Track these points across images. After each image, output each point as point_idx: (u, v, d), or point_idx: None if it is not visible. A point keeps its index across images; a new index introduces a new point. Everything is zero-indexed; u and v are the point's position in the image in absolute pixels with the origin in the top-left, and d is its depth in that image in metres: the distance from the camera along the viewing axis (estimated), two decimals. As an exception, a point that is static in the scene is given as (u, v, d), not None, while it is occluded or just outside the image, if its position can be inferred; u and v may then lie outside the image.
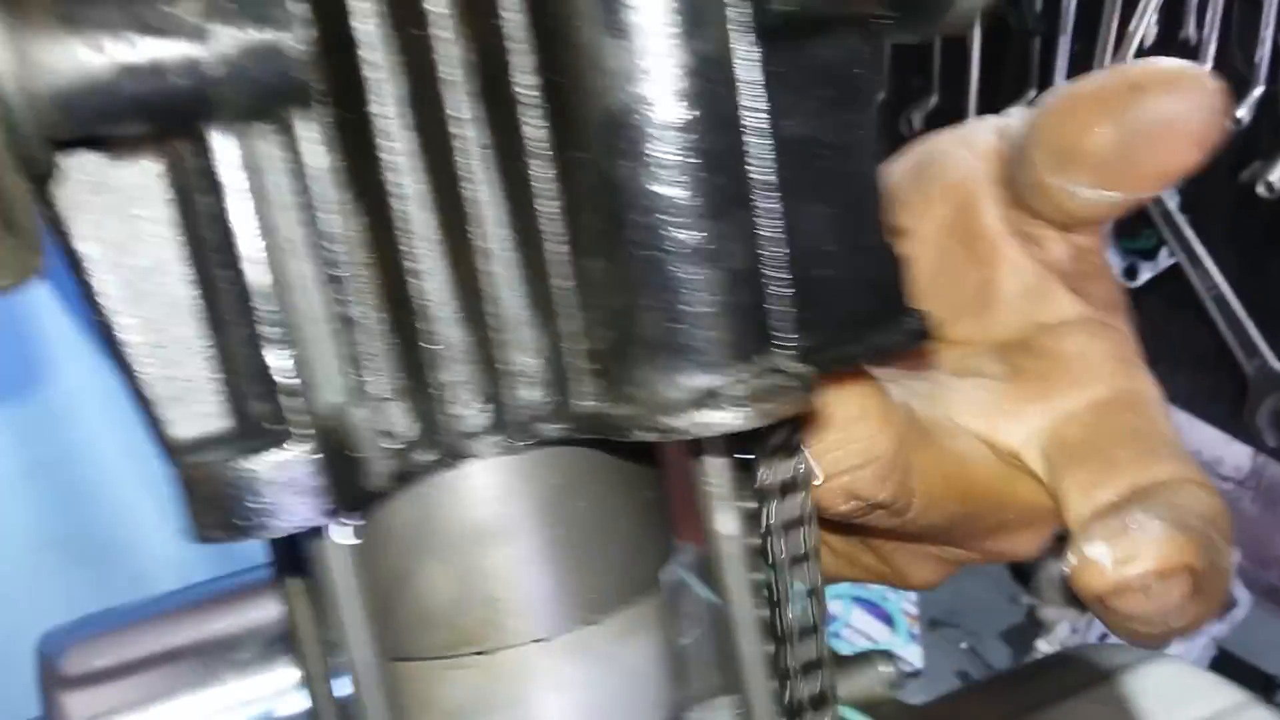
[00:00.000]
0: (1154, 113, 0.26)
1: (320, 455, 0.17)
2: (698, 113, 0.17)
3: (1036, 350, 0.29)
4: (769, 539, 0.23)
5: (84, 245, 0.17)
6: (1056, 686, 0.31)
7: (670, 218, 0.17)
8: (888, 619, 1.34)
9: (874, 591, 1.37)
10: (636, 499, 0.22)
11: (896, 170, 0.31)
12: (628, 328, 0.18)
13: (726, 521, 0.21)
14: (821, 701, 0.24)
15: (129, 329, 0.17)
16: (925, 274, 0.30)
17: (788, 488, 0.22)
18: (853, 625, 1.31)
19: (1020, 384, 0.28)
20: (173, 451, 0.17)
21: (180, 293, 0.17)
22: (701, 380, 0.18)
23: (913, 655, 1.31)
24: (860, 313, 0.21)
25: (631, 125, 0.17)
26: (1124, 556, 0.24)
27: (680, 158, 0.17)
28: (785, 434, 0.22)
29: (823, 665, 0.24)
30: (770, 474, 0.22)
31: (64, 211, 0.17)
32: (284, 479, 0.17)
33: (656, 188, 0.17)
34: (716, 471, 0.20)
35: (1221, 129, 0.25)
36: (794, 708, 0.24)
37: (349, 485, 0.17)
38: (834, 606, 1.32)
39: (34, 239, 0.15)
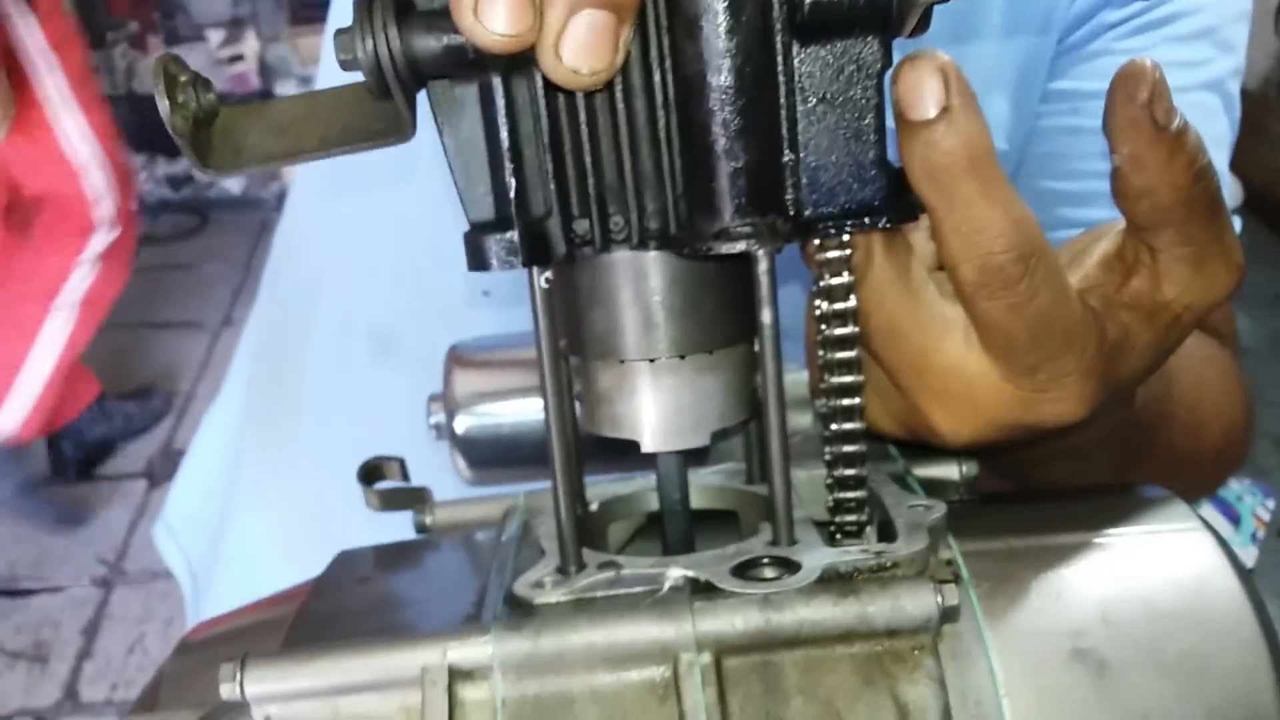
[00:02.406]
0: None
1: (525, 238, 0.34)
2: (735, 82, 0.32)
3: None
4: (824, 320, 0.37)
5: (440, 119, 0.35)
6: (1070, 495, 0.43)
7: (710, 136, 0.33)
8: (1235, 518, 1.36)
9: (1231, 491, 1.38)
10: (720, 292, 0.37)
11: None
12: (690, 191, 0.34)
13: (767, 313, 0.36)
14: (858, 479, 0.38)
15: (454, 166, 0.35)
16: None
17: (832, 291, 0.37)
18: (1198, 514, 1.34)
19: None
20: (470, 224, 0.36)
21: (479, 150, 0.35)
22: (719, 224, 0.33)
23: (1248, 556, 1.33)
24: (856, 202, 0.35)
25: (695, 86, 0.32)
26: None
27: (718, 107, 0.32)
28: (836, 255, 0.36)
29: (855, 413, 0.38)
30: (819, 284, 0.37)
31: (435, 104, 0.35)
32: (507, 246, 0.34)
33: (705, 120, 0.33)
34: (761, 278, 0.35)
35: None
36: (836, 479, 0.38)
37: (543, 255, 0.35)
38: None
39: (407, 119, 0.33)
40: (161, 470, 3.03)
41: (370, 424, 0.76)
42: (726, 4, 0.32)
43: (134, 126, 3.28)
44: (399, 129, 0.34)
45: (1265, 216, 1.85)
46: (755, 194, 0.33)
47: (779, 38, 0.33)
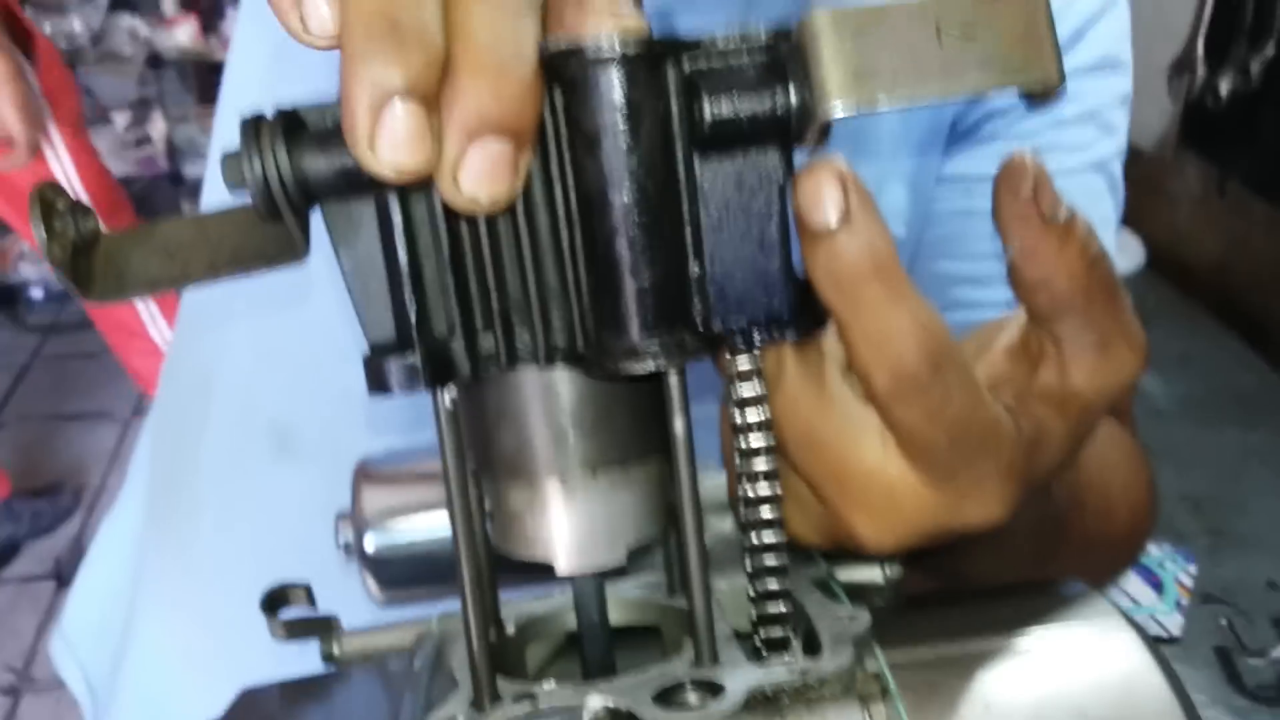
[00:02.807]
0: None
1: (428, 359, 0.33)
2: (636, 198, 0.31)
3: None
4: (737, 433, 0.36)
5: (335, 237, 0.34)
6: (993, 595, 0.42)
7: (614, 253, 0.32)
8: (1158, 585, 1.37)
9: (1153, 558, 1.40)
10: (631, 404, 0.36)
11: None
12: (596, 308, 0.33)
13: (679, 423, 0.35)
14: (780, 591, 0.37)
15: (351, 286, 0.34)
16: None
17: (744, 402, 0.36)
18: (1120, 585, 1.36)
19: None
20: (369, 346, 0.34)
21: (377, 269, 0.34)
22: (626, 343, 0.32)
23: (1172, 624, 1.34)
24: (764, 314, 0.34)
25: (598, 204, 0.32)
26: None
27: (621, 224, 0.31)
28: (747, 368, 0.35)
29: (775, 525, 0.37)
30: (732, 397, 0.36)
31: (329, 223, 0.34)
32: (409, 369, 0.33)
33: (608, 237, 0.32)
34: (671, 389, 0.34)
35: None
36: (758, 593, 0.37)
37: (446, 375, 0.34)
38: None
39: (300, 241, 0.32)
40: (69, 570, 2.92)
41: (272, 525, 0.73)
42: (625, 119, 0.31)
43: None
44: (292, 251, 0.33)
45: (1167, 275, 1.91)
46: (662, 310, 0.32)
47: (680, 151, 0.33)
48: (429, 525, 0.49)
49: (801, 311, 0.35)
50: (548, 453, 0.36)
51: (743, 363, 0.35)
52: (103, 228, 0.33)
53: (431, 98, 0.29)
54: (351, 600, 0.47)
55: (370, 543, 0.48)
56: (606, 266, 0.32)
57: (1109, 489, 0.57)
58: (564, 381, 0.35)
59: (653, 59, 0.31)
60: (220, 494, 0.79)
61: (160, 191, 4.07)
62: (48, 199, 0.31)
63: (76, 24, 3.92)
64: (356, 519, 0.49)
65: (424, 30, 0.29)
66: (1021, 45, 0.32)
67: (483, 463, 0.37)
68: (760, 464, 0.36)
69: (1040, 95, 0.33)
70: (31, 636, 2.74)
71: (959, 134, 0.67)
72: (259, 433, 0.76)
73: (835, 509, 0.38)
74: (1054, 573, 0.43)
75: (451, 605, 0.43)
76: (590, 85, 0.31)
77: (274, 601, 0.45)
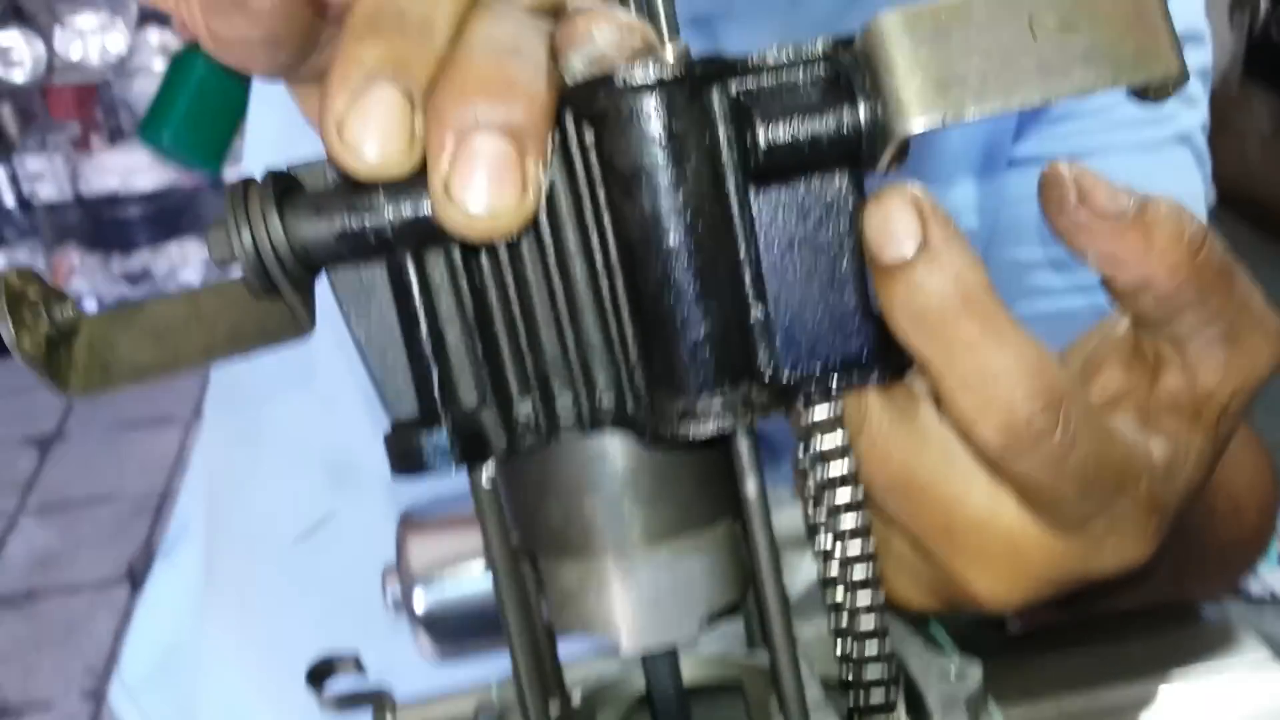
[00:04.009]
0: None
1: (457, 435, 0.29)
2: (683, 242, 0.27)
3: None
4: (810, 501, 0.32)
5: (345, 307, 0.30)
6: (1119, 631, 0.38)
7: (663, 305, 0.27)
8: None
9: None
10: (694, 467, 0.32)
11: None
12: (646, 365, 0.28)
13: (751, 486, 0.30)
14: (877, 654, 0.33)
15: (367, 358, 0.30)
16: None
17: (826, 456, 0.31)
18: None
19: None
20: (391, 423, 0.30)
21: (394, 338, 0.30)
22: (683, 403, 0.28)
23: (1276, 580, 1.28)
24: (840, 358, 0.30)
25: (641, 251, 0.27)
26: None
27: (668, 273, 0.27)
28: (826, 417, 0.31)
29: (872, 585, 0.33)
30: (809, 450, 0.31)
31: (337, 290, 0.30)
32: (439, 446, 0.29)
33: (655, 289, 0.27)
34: (740, 450, 0.30)
35: None
36: (855, 658, 0.33)
37: (479, 452, 0.29)
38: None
39: (303, 316, 0.28)
40: (142, 573, 2.95)
41: (333, 567, 0.70)
42: (667, 155, 0.27)
43: (83, 229, 3.22)
44: (295, 326, 0.29)
45: (1238, 213, 1.82)
46: (723, 363, 0.28)
47: (732, 184, 0.28)
48: (482, 575, 0.45)
49: (885, 351, 0.30)
50: (601, 527, 0.32)
51: (820, 413, 0.30)
52: (83, 313, 0.29)
53: (419, 95, 0.26)
54: (412, 655, 0.44)
55: (419, 600, 0.45)
56: (655, 320, 0.28)
57: (1236, 488, 0.52)
58: (614, 446, 0.31)
59: (695, 83, 0.27)
60: (275, 539, 0.75)
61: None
62: (14, 287, 0.28)
63: None
64: (404, 574, 0.45)
65: (429, 25, 0.26)
66: (1132, 34, 0.27)
67: (527, 538, 0.33)
68: (849, 522, 0.31)
69: (1158, 91, 0.28)
70: (110, 640, 2.77)
71: (1029, 113, 0.62)
72: (313, 469, 0.73)
73: (945, 565, 0.33)
74: (1188, 589, 0.38)
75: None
76: (624, 119, 0.26)
77: (319, 673, 0.41)
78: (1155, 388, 0.33)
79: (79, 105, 3.38)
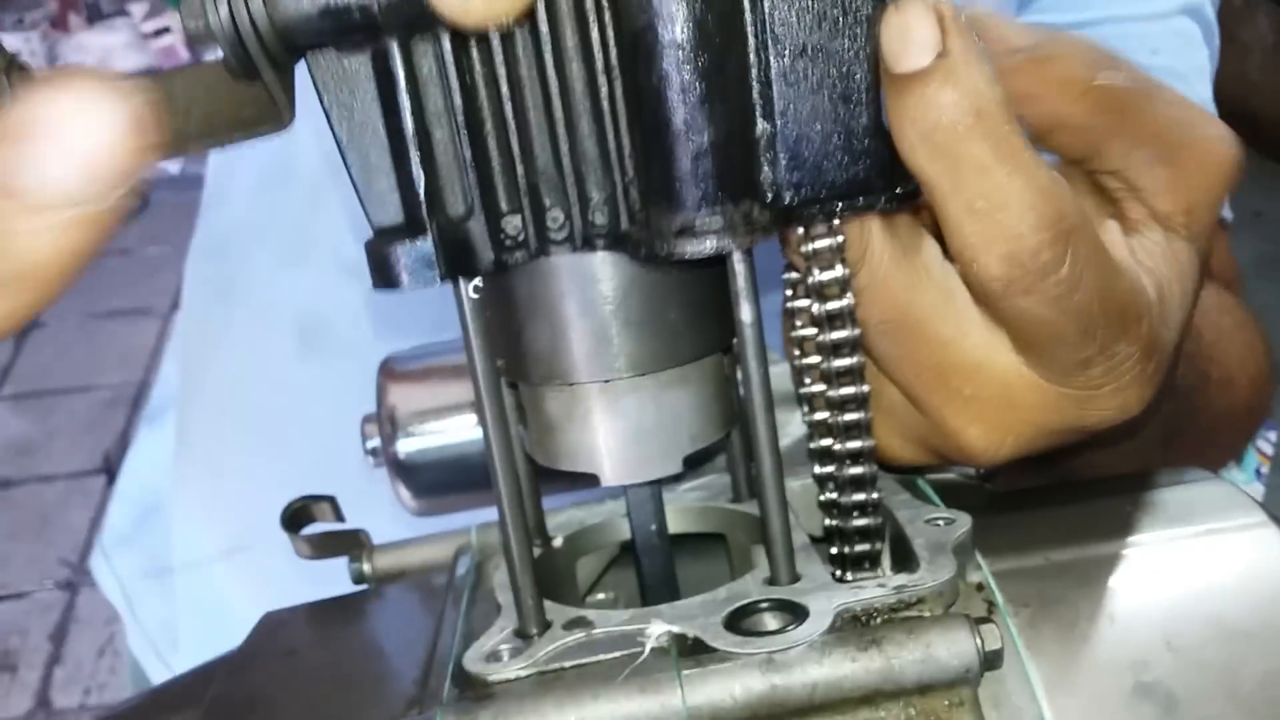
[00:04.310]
0: None
1: (443, 244, 0.27)
2: (690, 35, 0.25)
3: None
4: (800, 342, 0.31)
5: (326, 100, 0.28)
6: (1107, 490, 0.37)
7: (665, 107, 0.26)
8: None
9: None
10: (687, 294, 0.31)
11: None
12: (644, 177, 0.27)
13: (747, 311, 0.29)
14: (863, 481, 0.32)
15: (349, 158, 0.28)
16: None
17: (824, 288, 0.30)
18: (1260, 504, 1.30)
19: None
20: (374, 230, 0.29)
21: (378, 136, 0.28)
22: (681, 219, 0.27)
23: (1252, 493, 1.29)
24: (847, 180, 0.28)
25: (645, 43, 0.26)
26: None
27: (672, 69, 0.26)
28: (826, 245, 0.30)
29: (863, 429, 0.32)
30: (806, 280, 0.30)
31: (318, 81, 0.28)
32: (421, 258, 0.27)
33: (657, 87, 0.26)
34: (737, 272, 0.29)
35: None
36: (841, 505, 0.32)
37: (466, 265, 0.28)
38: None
39: (284, 103, 0.26)
40: (118, 464, 2.95)
41: (301, 431, 0.69)
42: None
43: (60, 110, 3.14)
44: (273, 116, 0.27)
45: (1237, 128, 1.80)
46: (724, 177, 0.27)
47: None
48: (466, 426, 0.44)
49: (894, 176, 0.29)
50: (588, 353, 0.30)
51: (820, 240, 0.29)
52: None
53: None
54: (384, 513, 0.43)
55: (401, 446, 0.44)
56: (655, 124, 0.26)
57: (1228, 359, 0.52)
58: (605, 268, 0.30)
59: None
60: (245, 400, 0.74)
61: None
62: None
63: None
64: (384, 421, 0.44)
65: None
66: None
67: (512, 366, 0.32)
68: (843, 361, 0.30)
69: None
70: (85, 531, 2.78)
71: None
72: (284, 331, 0.72)
73: (936, 413, 0.32)
74: (1179, 459, 0.38)
75: (492, 513, 0.38)
76: None
77: (297, 518, 0.40)
78: (1124, 222, 0.33)
79: (57, -16, 3.29)
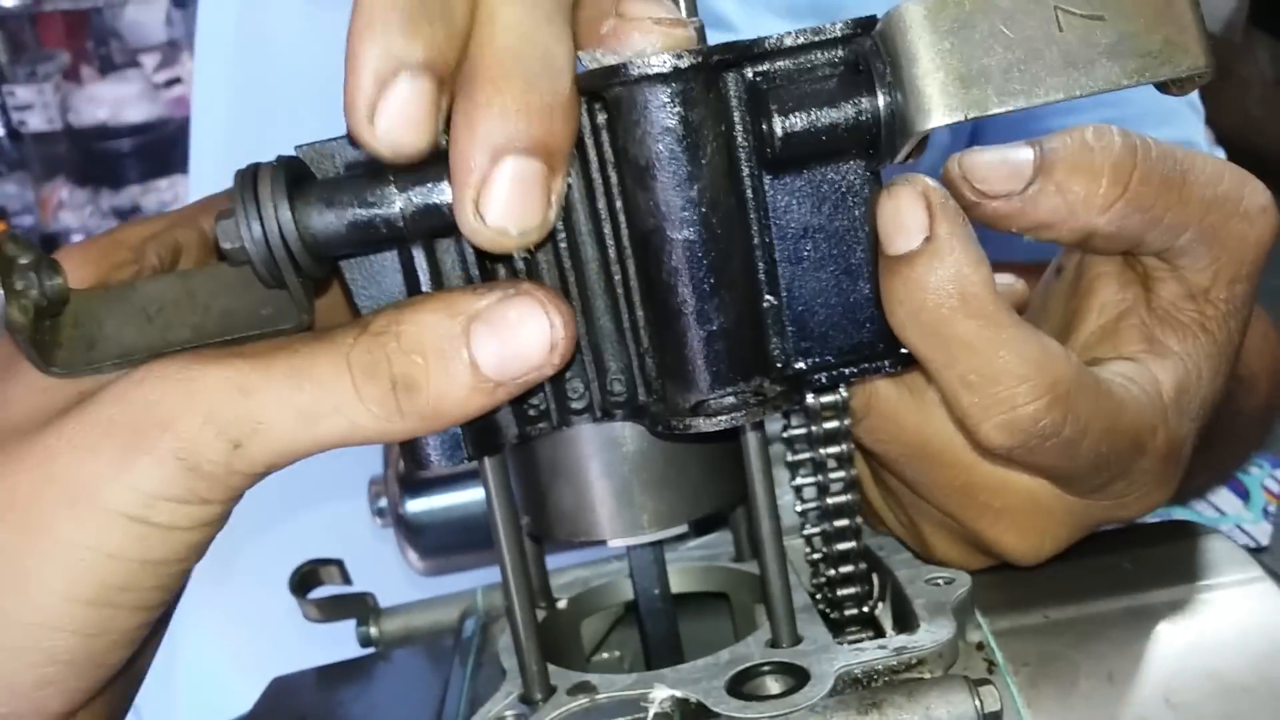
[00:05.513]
0: None
1: (468, 425, 0.28)
2: (699, 234, 0.26)
3: None
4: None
5: (355, 292, 0.29)
6: (1105, 545, 0.37)
7: (676, 298, 0.27)
8: (1244, 493, 1.31)
9: (1240, 462, 1.35)
10: (697, 457, 0.32)
11: None
12: (659, 356, 0.28)
13: (760, 486, 0.31)
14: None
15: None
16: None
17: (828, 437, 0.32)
18: (1205, 496, 1.30)
19: None
20: None
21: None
22: (695, 397, 0.27)
23: (1260, 533, 1.29)
24: (852, 346, 0.29)
25: (653, 244, 0.27)
26: None
27: (683, 265, 0.26)
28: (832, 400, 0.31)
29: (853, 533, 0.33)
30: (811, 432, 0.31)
31: (346, 275, 0.28)
32: (448, 439, 0.28)
33: (669, 281, 0.27)
34: (749, 448, 0.30)
35: None
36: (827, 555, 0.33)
37: (491, 443, 0.29)
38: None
39: (304, 306, 0.27)
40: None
41: (305, 497, 0.69)
42: (682, 145, 0.26)
43: (73, 162, 3.18)
44: (292, 316, 0.28)
45: (1240, 162, 1.81)
46: (736, 358, 0.28)
47: (747, 172, 0.27)
48: (471, 486, 0.45)
49: (897, 341, 0.29)
50: (612, 514, 0.32)
51: (827, 397, 0.30)
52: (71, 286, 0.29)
53: (445, 79, 0.25)
54: (392, 577, 0.44)
55: (409, 506, 0.44)
56: (668, 314, 0.27)
57: (1248, 357, 0.52)
58: (626, 432, 0.31)
59: (710, 70, 0.26)
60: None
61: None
62: (9, 253, 0.27)
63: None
64: (391, 482, 0.45)
65: (448, 7, 0.25)
66: (1160, 26, 0.26)
67: (536, 523, 0.33)
68: (841, 478, 0.32)
69: (1183, 85, 0.27)
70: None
71: None
72: None
73: (972, 525, 0.33)
74: (1214, 459, 0.38)
75: (497, 573, 0.39)
76: (638, 108, 0.26)
77: (304, 582, 0.41)
78: (1153, 300, 0.32)
79: (69, 34, 3.33)
